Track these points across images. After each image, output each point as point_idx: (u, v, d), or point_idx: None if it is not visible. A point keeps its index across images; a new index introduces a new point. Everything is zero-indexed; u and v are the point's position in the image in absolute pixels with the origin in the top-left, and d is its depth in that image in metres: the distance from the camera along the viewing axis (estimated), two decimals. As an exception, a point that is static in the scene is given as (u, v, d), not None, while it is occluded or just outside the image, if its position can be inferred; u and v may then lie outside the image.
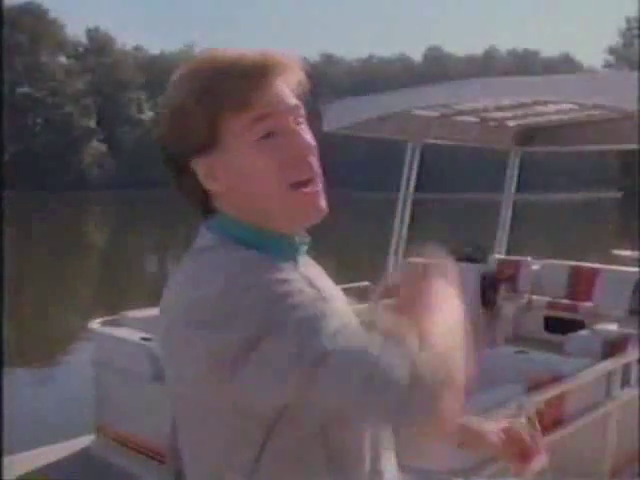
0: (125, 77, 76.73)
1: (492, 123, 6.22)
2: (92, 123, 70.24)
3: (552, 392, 2.98)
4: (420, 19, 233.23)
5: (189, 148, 1.12)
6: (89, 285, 16.16)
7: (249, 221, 1.13)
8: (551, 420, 2.95)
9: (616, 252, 8.58)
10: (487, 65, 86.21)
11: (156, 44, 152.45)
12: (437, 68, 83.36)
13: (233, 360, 0.99)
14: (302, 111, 1.15)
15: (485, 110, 5.77)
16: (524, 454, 1.57)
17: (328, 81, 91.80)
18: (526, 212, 26.03)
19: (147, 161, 75.05)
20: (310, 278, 1.14)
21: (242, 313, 0.99)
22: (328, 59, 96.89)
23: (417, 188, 5.97)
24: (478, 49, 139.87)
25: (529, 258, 6.45)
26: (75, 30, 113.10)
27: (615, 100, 4.35)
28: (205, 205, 1.17)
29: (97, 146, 70.49)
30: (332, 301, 1.14)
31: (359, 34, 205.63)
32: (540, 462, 1.59)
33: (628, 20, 75.29)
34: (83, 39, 78.04)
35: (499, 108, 5.65)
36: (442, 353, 1.02)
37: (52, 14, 70.17)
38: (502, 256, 6.48)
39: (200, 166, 1.12)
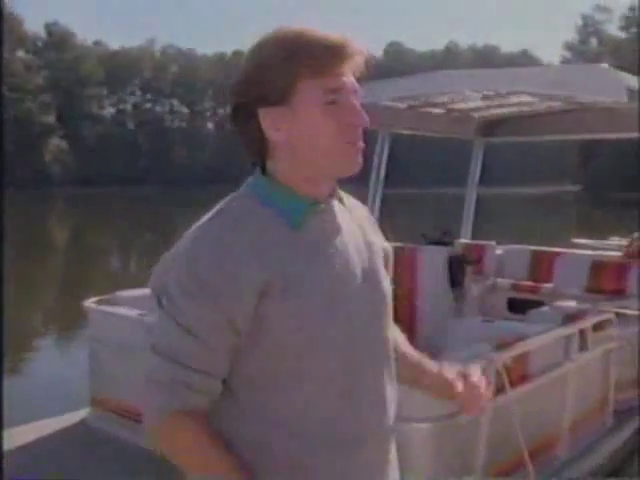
0: (85, 73, 75.94)
1: (457, 114, 6.49)
2: (52, 119, 69.44)
3: (518, 350, 3.31)
4: (380, 15, 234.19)
5: (263, 99, 1.34)
6: (52, 284, 16.05)
7: (290, 175, 1.38)
8: (517, 376, 3.27)
9: (575, 240, 8.96)
10: (448, 60, 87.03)
11: (117, 39, 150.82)
12: (398, 63, 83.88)
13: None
14: (359, 91, 1.39)
15: (451, 102, 6.04)
16: (476, 398, 1.75)
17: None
18: (492, 205, 26.66)
19: (108, 157, 74.59)
20: (302, 244, 1.35)
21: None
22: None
23: (388, 184, 6.22)
24: (439, 44, 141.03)
25: (493, 242, 6.78)
26: (34, 24, 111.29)
27: (574, 92, 4.66)
28: (259, 154, 1.41)
29: (57, 143, 69.72)
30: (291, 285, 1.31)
31: (320, 29, 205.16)
32: (485, 407, 1.81)
33: (584, 17, 76.86)
34: (42, 34, 77.09)
35: (463, 100, 5.92)
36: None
37: (10, 8, 69.14)
38: (468, 240, 6.82)
39: (267, 116, 1.34)
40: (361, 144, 1.39)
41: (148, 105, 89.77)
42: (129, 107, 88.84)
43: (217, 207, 1.41)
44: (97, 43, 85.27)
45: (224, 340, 1.32)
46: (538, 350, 3.54)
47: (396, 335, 1.63)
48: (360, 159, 1.39)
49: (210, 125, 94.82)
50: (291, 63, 1.32)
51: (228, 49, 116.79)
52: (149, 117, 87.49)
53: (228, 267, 1.29)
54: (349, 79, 1.36)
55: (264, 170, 1.42)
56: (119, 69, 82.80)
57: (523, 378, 3.36)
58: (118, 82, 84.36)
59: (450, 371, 1.73)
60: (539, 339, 3.55)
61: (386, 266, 1.54)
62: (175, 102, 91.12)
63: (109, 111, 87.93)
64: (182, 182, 73.04)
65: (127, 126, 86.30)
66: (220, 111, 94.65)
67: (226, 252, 1.30)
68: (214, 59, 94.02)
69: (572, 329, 3.81)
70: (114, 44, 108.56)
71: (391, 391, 1.48)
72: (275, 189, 1.38)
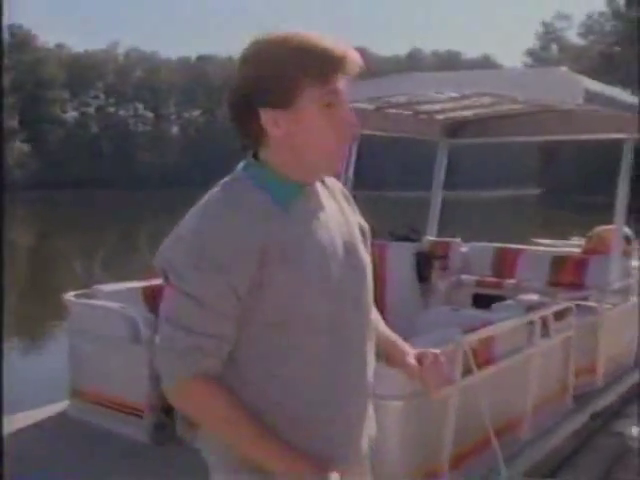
0: (47, 75, 75.08)
1: (423, 116, 6.69)
2: (14, 123, 68.54)
3: (484, 334, 3.51)
4: (344, 20, 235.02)
5: (266, 99, 1.48)
6: (14, 288, 15.84)
7: (284, 164, 1.54)
8: (483, 359, 3.47)
9: (535, 240, 9.26)
10: (412, 65, 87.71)
11: (79, 42, 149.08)
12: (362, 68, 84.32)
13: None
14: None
15: (417, 104, 6.21)
16: (434, 379, 1.84)
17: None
18: (457, 207, 27.02)
19: (72, 161, 73.81)
20: (291, 223, 1.50)
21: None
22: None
23: (357, 186, 6.38)
24: (402, 50, 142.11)
25: (459, 240, 7.00)
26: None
27: (534, 94, 4.85)
28: (255, 144, 1.57)
29: (19, 146, 68.80)
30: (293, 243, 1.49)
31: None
32: (445, 387, 1.95)
33: (545, 24, 78.08)
34: (4, 35, 76.00)
35: (429, 102, 6.08)
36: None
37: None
38: (435, 237, 7.04)
39: (269, 115, 1.49)
40: (348, 149, 1.57)
41: (112, 109, 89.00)
42: (92, 111, 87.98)
43: (215, 189, 1.56)
44: (59, 46, 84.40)
45: (230, 307, 1.47)
46: (503, 335, 3.74)
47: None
48: (344, 162, 1.59)
49: (175, 129, 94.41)
50: (297, 70, 1.46)
51: (192, 53, 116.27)
52: (113, 121, 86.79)
53: (229, 240, 1.45)
54: (345, 87, 1.52)
55: (255, 155, 1.58)
56: (82, 72, 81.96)
57: (489, 361, 3.56)
58: (81, 85, 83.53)
59: (411, 353, 1.86)
60: (504, 325, 3.76)
61: (365, 242, 1.71)
62: (139, 106, 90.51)
63: (72, 115, 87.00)
64: (147, 185, 72.56)
65: (90, 130, 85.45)
66: (185, 115, 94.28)
67: (227, 226, 1.46)
68: (178, 63, 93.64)
69: (534, 316, 4.03)
70: (77, 47, 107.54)
71: (371, 356, 1.67)
72: (267, 174, 1.54)
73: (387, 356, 1.86)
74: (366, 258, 1.67)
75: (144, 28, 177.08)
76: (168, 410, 4.16)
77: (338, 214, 1.63)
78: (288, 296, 1.48)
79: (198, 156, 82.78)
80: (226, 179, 1.58)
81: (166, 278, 1.53)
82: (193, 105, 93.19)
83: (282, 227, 1.49)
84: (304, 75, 1.47)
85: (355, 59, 1.50)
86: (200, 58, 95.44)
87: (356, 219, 1.72)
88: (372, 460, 1.78)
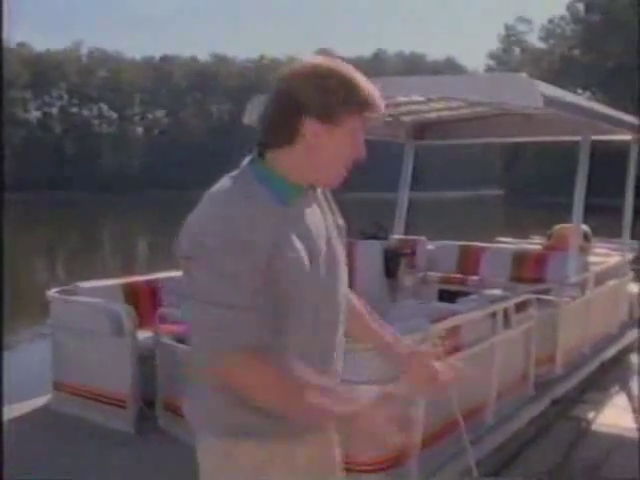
0: (9, 75, 73.92)
1: (389, 119, 6.91)
2: (-26, 123, 67.39)
3: (450, 323, 3.75)
4: (309, 20, 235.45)
5: (317, 112, 1.71)
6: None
7: (293, 168, 1.76)
8: (451, 347, 3.70)
9: (498, 239, 9.54)
10: (376, 67, 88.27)
11: (42, 41, 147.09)
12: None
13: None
14: None
15: (385, 107, 6.44)
16: (431, 379, 1.88)
17: (220, 81, 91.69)
18: (423, 208, 27.35)
19: (34, 162, 72.88)
20: (290, 217, 1.72)
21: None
22: (219, 59, 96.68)
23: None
24: (367, 51, 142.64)
25: (424, 238, 7.25)
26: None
27: (496, 98, 5.07)
28: (278, 142, 1.76)
29: (-21, 147, 67.63)
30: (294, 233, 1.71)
31: (250, 35, 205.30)
32: (444, 388, 1.92)
33: (507, 27, 79.07)
34: None
35: (396, 105, 6.28)
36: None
37: None
38: (401, 236, 7.28)
39: (313, 125, 1.72)
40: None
41: (75, 109, 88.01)
42: (55, 111, 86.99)
43: (226, 181, 1.77)
44: (21, 45, 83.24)
45: (260, 283, 1.66)
46: (468, 325, 3.99)
47: (352, 297, 2.04)
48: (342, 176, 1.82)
49: (139, 130, 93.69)
50: (351, 100, 1.72)
51: (156, 53, 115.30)
52: (76, 121, 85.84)
53: (252, 225, 1.66)
54: (368, 124, 1.78)
55: (260, 154, 1.79)
56: (44, 72, 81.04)
57: (456, 349, 3.80)
58: (44, 85, 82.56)
59: (403, 347, 2.00)
60: (469, 315, 4.00)
61: (341, 240, 1.94)
62: (103, 106, 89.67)
63: (34, 115, 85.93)
64: (111, 187, 71.96)
65: (53, 130, 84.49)
66: (149, 116, 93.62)
67: (248, 214, 1.67)
68: (142, 63, 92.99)
69: (497, 307, 4.28)
70: (39, 46, 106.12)
71: (341, 343, 1.91)
72: (271, 175, 1.77)
73: (372, 338, 2.07)
74: (342, 254, 1.91)
75: (107, 28, 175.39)
76: (150, 401, 4.35)
77: (320, 213, 1.87)
78: (285, 282, 1.69)
79: (163, 157, 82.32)
80: (236, 174, 1.79)
81: (192, 261, 1.67)
82: (157, 106, 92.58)
83: (284, 221, 1.72)
84: (352, 104, 1.72)
85: (381, 105, 1.77)
86: (164, 58, 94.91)
87: (334, 218, 1.95)
88: (345, 442, 1.98)
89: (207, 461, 1.83)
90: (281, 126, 1.76)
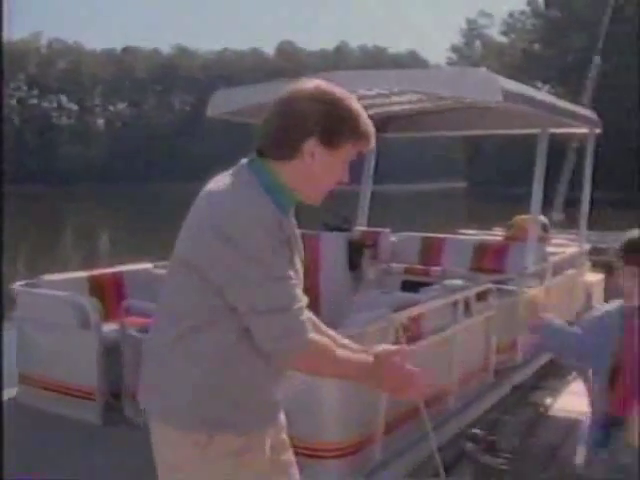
0: (-34, 66, 72.37)
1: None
2: None
3: (412, 312, 3.83)
4: (272, 13, 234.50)
5: (319, 134, 1.85)
6: None
7: (289, 180, 1.89)
8: (413, 334, 3.79)
9: (461, 231, 9.69)
10: (339, 60, 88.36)
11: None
12: (290, 62, 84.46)
13: None
14: None
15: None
16: (403, 385, 1.93)
17: (183, 73, 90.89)
18: (392, 200, 27.52)
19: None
20: (290, 226, 1.90)
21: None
22: (182, 51, 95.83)
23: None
24: (330, 44, 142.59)
25: (388, 230, 7.33)
26: None
27: (457, 92, 5.16)
28: (276, 155, 1.89)
29: (-64, 139, 66.21)
30: (291, 244, 1.89)
31: (212, 27, 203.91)
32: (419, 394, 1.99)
33: (469, 21, 79.62)
34: None
35: (359, 98, 6.37)
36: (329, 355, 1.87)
37: None
38: (365, 228, 7.36)
39: (312, 145, 1.86)
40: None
41: (34, 101, 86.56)
42: (14, 102, 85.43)
43: (235, 183, 1.85)
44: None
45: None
46: (430, 314, 4.08)
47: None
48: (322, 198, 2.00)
49: (100, 122, 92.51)
50: (353, 130, 1.88)
51: (117, 45, 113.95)
52: (36, 113, 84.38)
53: (281, 226, 1.82)
54: (360, 154, 1.95)
55: (259, 153, 1.91)
56: (2, 63, 79.40)
57: (418, 337, 3.89)
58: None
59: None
60: (431, 303, 4.10)
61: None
62: (63, 98, 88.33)
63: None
64: (72, 180, 71.00)
65: (12, 122, 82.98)
66: (110, 107, 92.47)
67: (276, 219, 1.81)
68: (103, 55, 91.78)
69: (458, 296, 4.39)
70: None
71: None
72: (276, 184, 1.88)
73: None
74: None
75: (67, 18, 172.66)
76: (117, 393, 4.37)
77: None
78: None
79: (125, 150, 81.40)
80: (243, 179, 1.87)
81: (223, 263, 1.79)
82: (119, 97, 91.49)
83: (287, 225, 1.89)
84: (353, 135, 1.89)
85: (373, 141, 1.94)
86: (125, 50, 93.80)
87: None
88: (312, 429, 2.10)
89: (173, 452, 1.89)
90: (284, 142, 1.88)
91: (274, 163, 1.88)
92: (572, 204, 7.65)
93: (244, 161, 1.92)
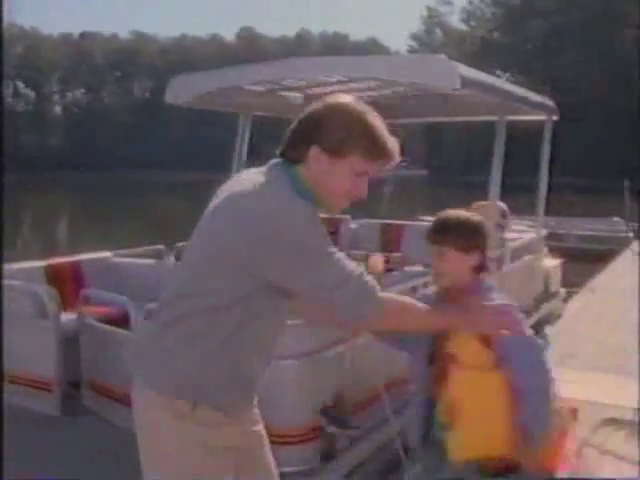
0: None
1: (313, 98, 6.93)
2: None
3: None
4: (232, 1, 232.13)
5: (324, 143, 1.92)
6: None
7: (312, 185, 1.96)
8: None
9: (421, 217, 9.78)
10: (300, 46, 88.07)
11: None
12: (250, 49, 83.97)
13: None
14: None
15: (307, 86, 6.43)
16: None
17: (142, 59, 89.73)
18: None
19: (-54, 142, 69.82)
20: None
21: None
22: (140, 37, 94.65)
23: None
24: (290, 31, 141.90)
25: (349, 216, 7.35)
26: None
27: (415, 79, 5.16)
28: (291, 156, 1.98)
29: None
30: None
31: (171, 13, 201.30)
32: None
33: (429, 9, 79.89)
34: None
35: (319, 84, 6.30)
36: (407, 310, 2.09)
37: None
38: (324, 215, 7.35)
39: (317, 152, 1.93)
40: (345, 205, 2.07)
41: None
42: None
43: (271, 183, 1.93)
44: None
45: None
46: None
47: None
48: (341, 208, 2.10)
49: (58, 109, 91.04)
50: (359, 142, 1.92)
51: (74, 30, 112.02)
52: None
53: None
54: (377, 172, 1.99)
55: (282, 155, 2.00)
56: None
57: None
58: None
59: None
60: (390, 289, 4.11)
61: None
62: (20, 84, 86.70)
63: None
64: (28, 167, 69.74)
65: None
66: (68, 94, 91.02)
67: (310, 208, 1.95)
68: (60, 40, 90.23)
69: (417, 282, 4.42)
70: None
71: None
72: (304, 187, 1.96)
73: None
74: None
75: (22, 2, 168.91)
76: (75, 382, 4.33)
77: None
78: None
79: (83, 137, 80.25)
80: (279, 181, 1.95)
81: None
82: (77, 84, 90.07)
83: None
84: (361, 149, 1.93)
85: (394, 158, 1.99)
86: (83, 35, 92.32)
87: None
88: (272, 414, 2.24)
89: (154, 418, 1.99)
90: (295, 146, 1.97)
91: (297, 166, 1.96)
92: (530, 190, 7.72)
93: (275, 161, 2.00)
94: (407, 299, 2.14)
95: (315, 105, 1.98)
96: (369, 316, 1.97)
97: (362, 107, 1.97)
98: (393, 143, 1.98)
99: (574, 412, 2.60)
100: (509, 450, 2.33)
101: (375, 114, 1.98)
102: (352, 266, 1.96)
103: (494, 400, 2.33)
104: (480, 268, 2.51)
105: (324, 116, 1.93)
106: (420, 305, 2.12)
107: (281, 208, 1.86)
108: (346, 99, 1.98)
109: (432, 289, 2.70)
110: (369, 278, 1.98)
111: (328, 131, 1.92)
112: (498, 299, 2.41)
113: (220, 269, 1.89)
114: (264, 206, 1.86)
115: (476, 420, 2.33)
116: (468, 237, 2.48)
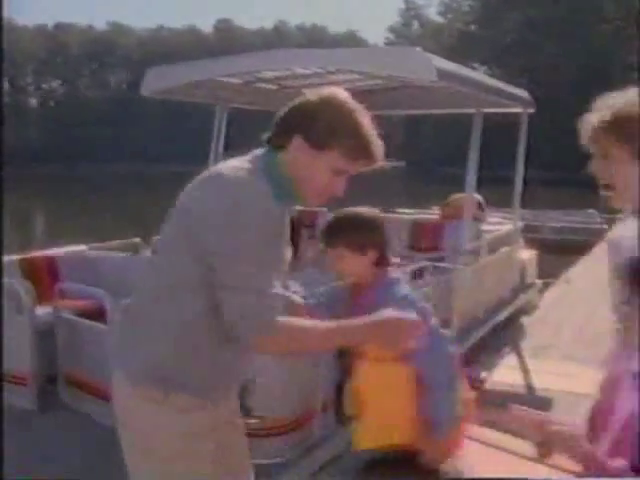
0: None
1: (290, 90, 6.89)
2: None
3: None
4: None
5: (308, 134, 1.90)
6: None
7: (288, 173, 1.94)
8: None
9: (399, 210, 9.82)
10: (278, 39, 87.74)
11: None
12: (228, 41, 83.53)
13: None
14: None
15: (283, 78, 6.40)
16: None
17: (119, 51, 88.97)
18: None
19: None
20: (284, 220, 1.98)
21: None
22: (117, 28, 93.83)
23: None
24: (268, 23, 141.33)
25: (325, 209, 7.34)
26: None
27: (392, 71, 5.17)
28: (275, 143, 1.96)
29: None
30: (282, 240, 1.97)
31: (148, 4, 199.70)
32: None
33: (407, 1, 79.85)
34: None
35: (295, 77, 6.18)
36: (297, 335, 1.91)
37: None
38: (302, 207, 7.35)
39: (299, 142, 1.91)
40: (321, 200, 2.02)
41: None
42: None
43: (247, 166, 1.91)
44: None
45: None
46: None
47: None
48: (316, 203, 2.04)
49: (33, 101, 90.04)
50: (342, 140, 1.90)
51: (49, 21, 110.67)
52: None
53: (278, 217, 1.92)
54: (357, 168, 1.95)
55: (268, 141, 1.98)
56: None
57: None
58: None
59: None
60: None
61: None
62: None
63: None
64: (3, 161, 68.93)
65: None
66: (44, 86, 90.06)
67: (273, 207, 1.88)
68: (35, 31, 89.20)
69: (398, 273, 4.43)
70: None
71: None
72: (279, 173, 1.93)
73: None
74: None
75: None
76: (52, 376, 4.30)
77: None
78: None
79: (59, 129, 79.48)
80: (250, 166, 1.92)
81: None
82: (52, 76, 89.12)
83: (282, 216, 1.97)
84: (343, 147, 1.90)
85: (377, 161, 1.98)
86: (58, 26, 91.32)
87: None
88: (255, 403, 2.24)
89: (131, 406, 2.00)
90: (282, 131, 1.95)
91: (278, 153, 1.94)
92: (507, 183, 7.77)
93: (259, 151, 1.98)
94: (308, 323, 1.95)
95: (309, 95, 1.94)
96: (250, 334, 1.84)
97: (355, 105, 1.94)
98: (378, 145, 1.96)
99: (476, 402, 2.63)
100: (413, 440, 2.34)
101: (366, 113, 1.95)
102: (266, 283, 1.83)
103: (398, 392, 2.33)
104: (381, 263, 2.50)
105: (318, 109, 1.91)
106: (320, 328, 1.92)
107: (241, 184, 1.84)
108: (343, 94, 1.96)
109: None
110: (270, 302, 1.83)
111: (317, 123, 1.89)
112: (403, 291, 2.42)
113: (177, 246, 1.89)
114: (225, 180, 1.85)
115: (380, 411, 2.33)
116: (361, 237, 2.47)
